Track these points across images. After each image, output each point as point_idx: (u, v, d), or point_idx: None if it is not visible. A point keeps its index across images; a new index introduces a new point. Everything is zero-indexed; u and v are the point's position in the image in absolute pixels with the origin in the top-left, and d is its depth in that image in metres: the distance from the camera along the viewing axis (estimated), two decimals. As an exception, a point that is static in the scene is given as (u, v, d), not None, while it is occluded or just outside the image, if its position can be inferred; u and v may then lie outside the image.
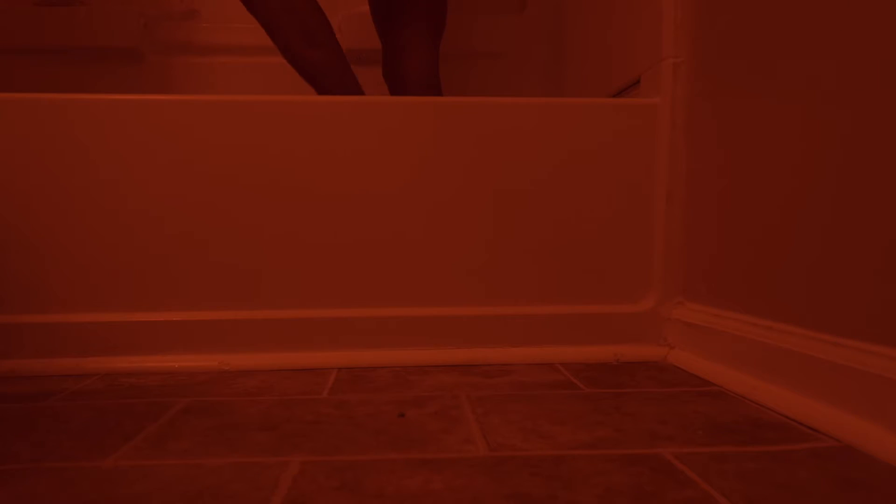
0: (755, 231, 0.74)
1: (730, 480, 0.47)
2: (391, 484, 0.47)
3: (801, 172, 0.66)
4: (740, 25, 0.77)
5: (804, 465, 0.50)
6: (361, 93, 1.13)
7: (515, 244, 0.92)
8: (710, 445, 0.55)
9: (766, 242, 0.72)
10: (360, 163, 0.90)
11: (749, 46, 0.75)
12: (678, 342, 0.90)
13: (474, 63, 1.68)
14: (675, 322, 0.91)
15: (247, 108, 0.90)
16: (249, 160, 0.89)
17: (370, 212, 0.91)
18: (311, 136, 0.90)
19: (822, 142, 0.63)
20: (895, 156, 0.54)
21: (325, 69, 1.09)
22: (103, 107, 0.88)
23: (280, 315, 0.90)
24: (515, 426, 0.61)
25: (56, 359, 0.87)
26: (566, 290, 0.93)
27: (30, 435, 0.60)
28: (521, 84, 1.70)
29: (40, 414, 0.67)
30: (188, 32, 1.74)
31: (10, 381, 0.83)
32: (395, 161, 0.91)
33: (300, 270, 0.90)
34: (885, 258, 0.55)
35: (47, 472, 0.51)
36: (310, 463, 0.52)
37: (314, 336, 0.90)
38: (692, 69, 0.89)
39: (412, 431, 0.60)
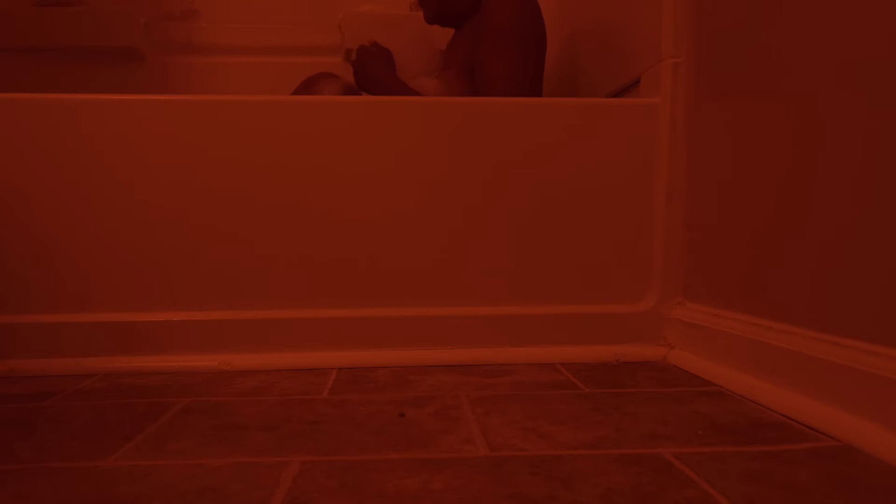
0: (755, 231, 0.74)
1: (730, 480, 0.47)
2: (391, 484, 0.47)
3: (800, 172, 0.66)
4: (739, 26, 0.77)
5: (804, 465, 0.50)
6: None
7: (515, 244, 0.92)
8: (710, 445, 0.55)
9: (765, 242, 0.72)
10: (359, 164, 0.90)
11: (748, 46, 0.75)
12: (678, 342, 0.90)
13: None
14: (675, 322, 0.91)
15: (247, 109, 0.90)
16: (247, 163, 0.89)
17: (371, 213, 0.90)
18: (310, 137, 0.90)
19: (820, 141, 0.63)
20: (893, 156, 0.54)
21: None
22: (104, 107, 0.88)
23: (280, 315, 0.90)
24: (515, 426, 0.61)
25: (56, 359, 0.87)
26: (566, 290, 0.93)
27: (30, 435, 0.60)
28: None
29: (40, 414, 0.67)
30: (188, 32, 1.75)
31: (10, 381, 0.83)
32: (391, 160, 0.91)
33: (301, 270, 0.90)
34: (884, 258, 0.55)
35: (47, 472, 0.51)
36: (310, 463, 0.52)
37: (314, 336, 0.90)
38: (692, 69, 0.89)
39: (412, 431, 0.60)
